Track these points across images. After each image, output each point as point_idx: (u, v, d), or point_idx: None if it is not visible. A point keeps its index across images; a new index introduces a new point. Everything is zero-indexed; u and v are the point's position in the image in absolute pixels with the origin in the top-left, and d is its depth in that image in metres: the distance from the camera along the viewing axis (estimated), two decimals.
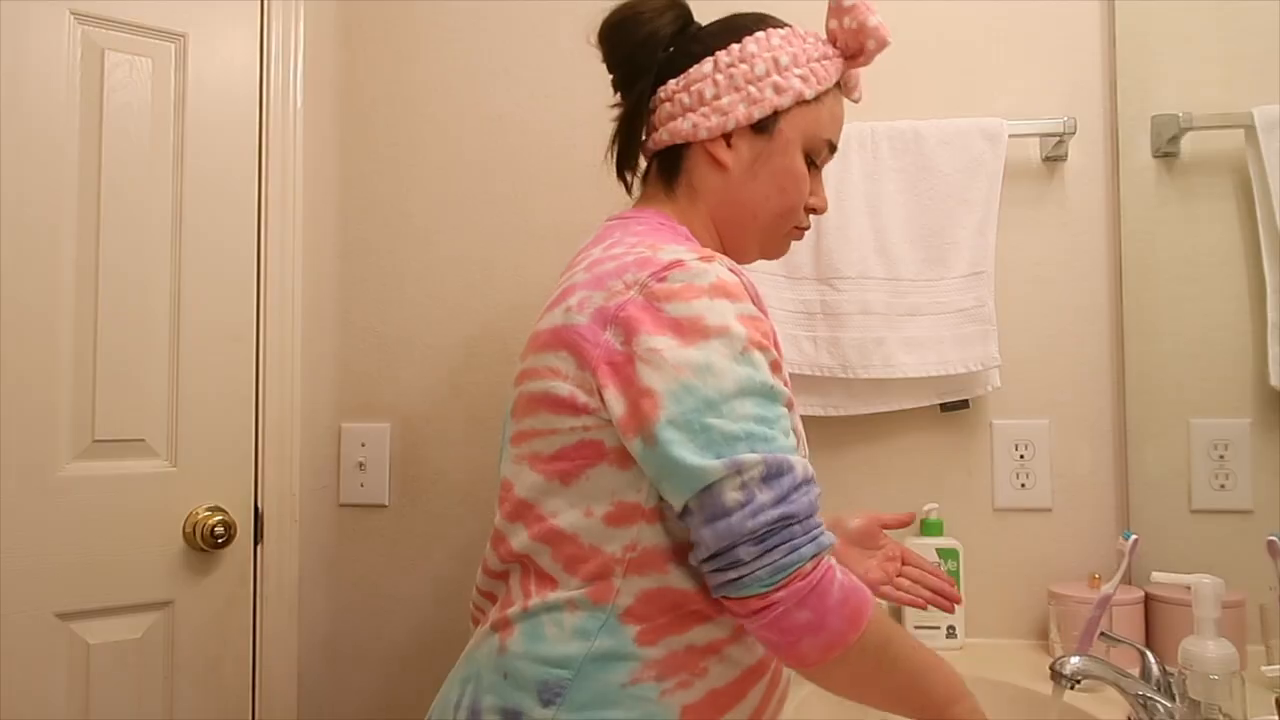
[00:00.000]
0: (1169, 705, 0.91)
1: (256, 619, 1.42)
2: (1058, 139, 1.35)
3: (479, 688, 0.81)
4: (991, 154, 1.33)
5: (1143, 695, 0.92)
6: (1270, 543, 0.96)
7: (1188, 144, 1.24)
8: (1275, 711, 0.84)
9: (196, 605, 1.36)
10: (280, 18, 1.47)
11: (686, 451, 0.73)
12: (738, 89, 0.91)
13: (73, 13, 1.28)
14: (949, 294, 1.33)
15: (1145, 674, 0.96)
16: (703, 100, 0.91)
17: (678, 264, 0.80)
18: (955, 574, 1.31)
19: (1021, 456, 1.37)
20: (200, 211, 1.37)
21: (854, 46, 0.95)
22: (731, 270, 0.82)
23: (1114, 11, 1.37)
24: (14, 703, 1.20)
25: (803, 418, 1.36)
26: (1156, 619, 1.21)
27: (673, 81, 0.94)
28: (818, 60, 0.93)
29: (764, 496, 0.72)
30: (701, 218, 0.94)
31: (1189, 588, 0.94)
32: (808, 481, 0.75)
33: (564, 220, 1.50)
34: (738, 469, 0.73)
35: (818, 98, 0.93)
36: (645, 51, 0.93)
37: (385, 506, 1.53)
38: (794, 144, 0.92)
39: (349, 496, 1.54)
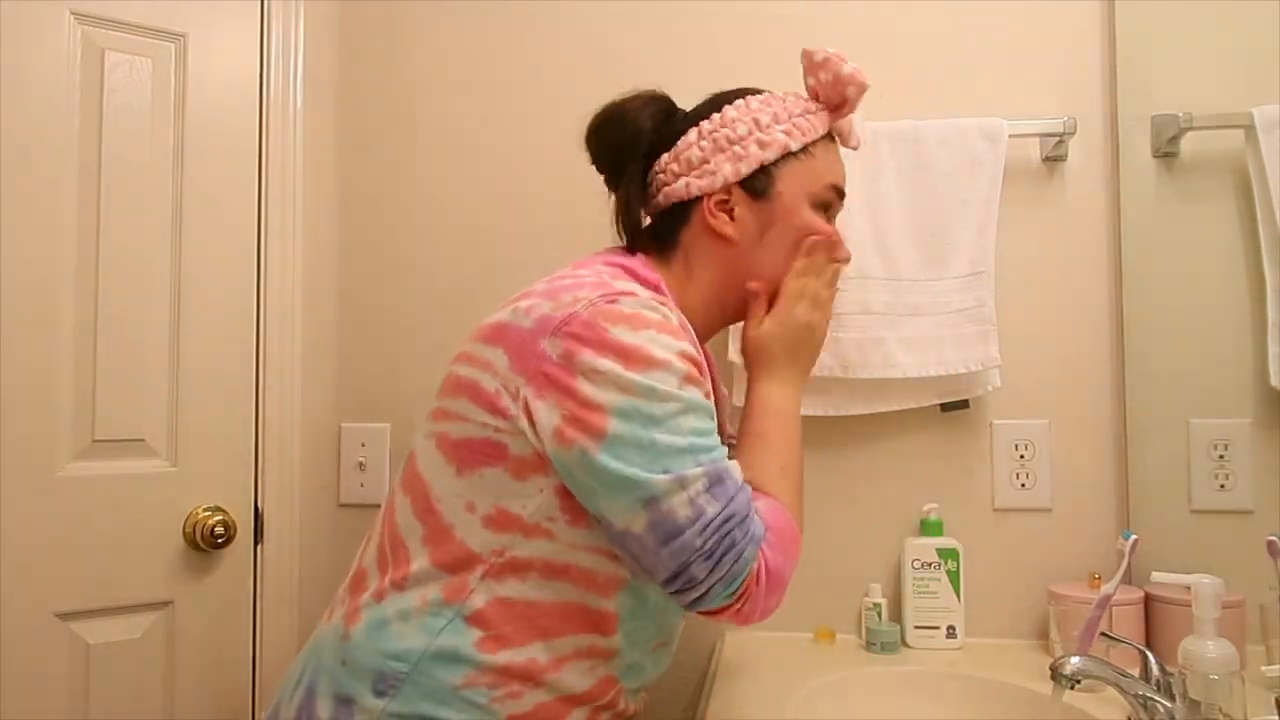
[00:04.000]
0: (1169, 705, 0.91)
1: (256, 619, 1.42)
2: (1058, 139, 1.35)
3: (318, 670, 0.84)
4: (991, 154, 1.33)
5: (1143, 695, 0.92)
6: (1270, 543, 0.96)
7: (1188, 144, 1.24)
8: (1275, 711, 0.84)
9: (196, 605, 1.36)
10: (280, 18, 1.47)
11: (633, 466, 0.76)
12: (722, 150, 0.93)
13: (73, 13, 1.28)
14: (949, 294, 1.33)
15: (1145, 674, 0.96)
16: (692, 165, 0.94)
17: (630, 294, 0.82)
18: (955, 574, 1.32)
19: (1021, 456, 1.37)
20: (200, 212, 1.37)
21: (836, 98, 0.97)
22: (683, 325, 0.84)
23: (1114, 11, 1.37)
24: (14, 703, 1.20)
25: (803, 417, 1.37)
26: (1156, 619, 1.21)
27: (665, 155, 0.97)
28: (800, 115, 0.96)
29: (710, 510, 0.77)
30: (697, 289, 0.95)
31: (1189, 588, 0.94)
32: (744, 486, 0.82)
33: (564, 220, 1.50)
34: (682, 483, 0.77)
35: (806, 149, 0.95)
36: (629, 149, 0.97)
37: None
38: (798, 201, 0.94)
39: (349, 496, 1.54)
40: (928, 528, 1.34)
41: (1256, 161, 1.12)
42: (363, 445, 1.54)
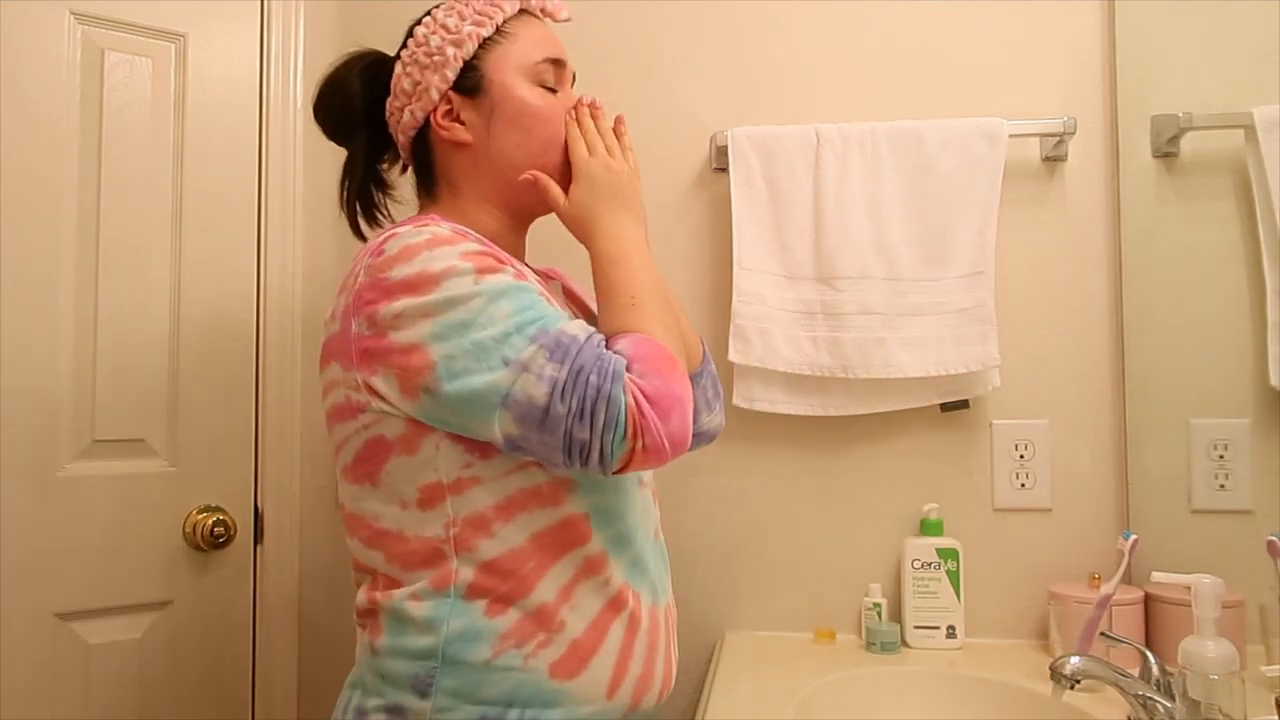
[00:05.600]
0: (1169, 705, 0.91)
1: (256, 619, 1.42)
2: (1058, 139, 1.35)
3: (364, 691, 0.85)
4: (991, 154, 1.33)
5: (1143, 695, 0.92)
6: (1270, 543, 0.96)
7: (1188, 144, 1.24)
8: (1275, 711, 0.84)
9: (196, 605, 1.36)
10: (280, 18, 1.47)
11: (473, 377, 0.76)
12: (425, 67, 0.94)
13: (73, 13, 1.28)
14: (949, 294, 1.33)
15: (1145, 674, 0.96)
16: (408, 94, 0.96)
17: (391, 235, 0.84)
18: (955, 574, 1.32)
19: (1021, 456, 1.37)
20: (200, 211, 1.37)
21: None
22: (456, 231, 0.84)
23: (1114, 11, 1.37)
24: (14, 703, 1.20)
25: (803, 418, 1.37)
26: (1156, 619, 1.21)
27: (388, 101, 0.99)
28: (484, 5, 0.95)
29: (560, 374, 0.75)
30: (473, 205, 0.96)
31: (1189, 588, 0.94)
32: (589, 337, 0.79)
33: None
34: (523, 365, 0.76)
35: (501, 32, 0.95)
36: (349, 113, 0.99)
37: None
38: (511, 84, 0.94)
39: None
40: (928, 528, 1.34)
41: (1256, 161, 1.12)
42: None
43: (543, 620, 0.82)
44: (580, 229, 0.93)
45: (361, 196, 1.02)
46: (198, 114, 1.37)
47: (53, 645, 1.24)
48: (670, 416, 0.77)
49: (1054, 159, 1.38)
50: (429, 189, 0.99)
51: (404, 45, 0.98)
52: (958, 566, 1.32)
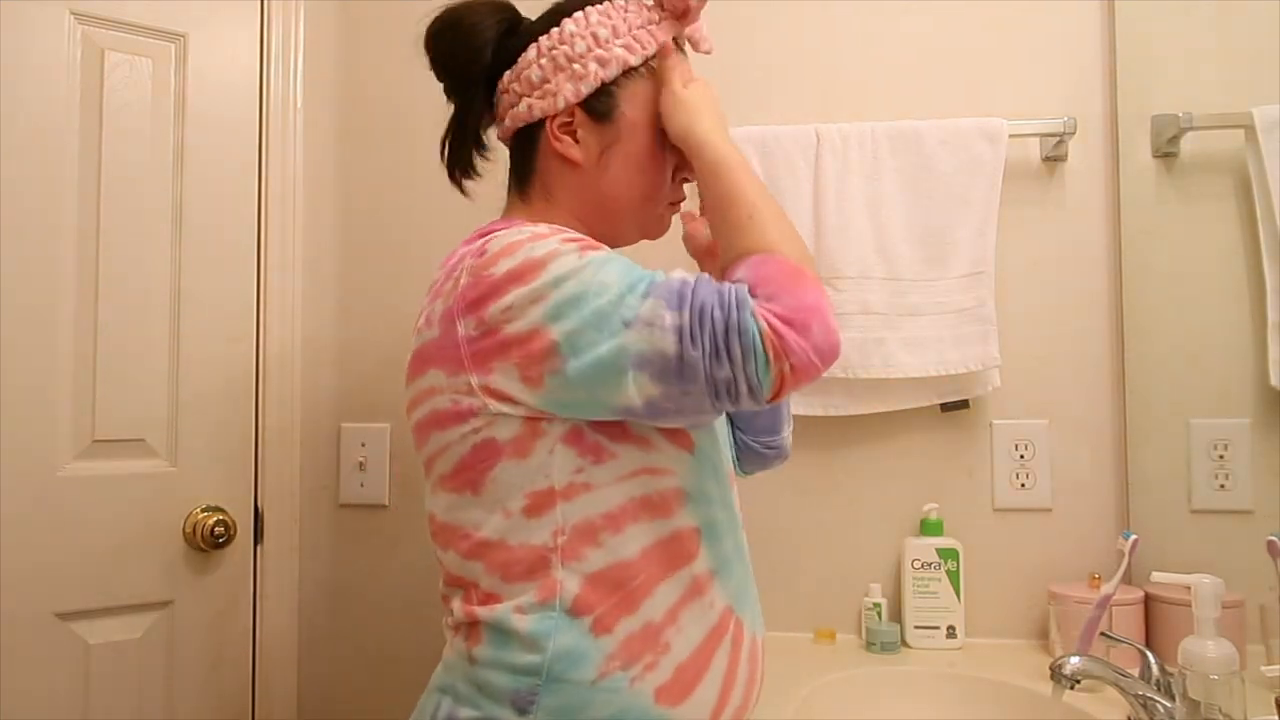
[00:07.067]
0: (1169, 705, 0.91)
1: (256, 619, 1.42)
2: (1058, 139, 1.35)
3: (456, 699, 0.81)
4: (991, 154, 1.33)
5: (1143, 695, 0.92)
6: (1270, 543, 0.96)
7: (1188, 144, 1.24)
8: (1275, 711, 0.84)
9: (196, 605, 1.36)
10: (280, 18, 1.47)
11: (599, 347, 0.73)
12: (561, 69, 0.89)
13: (73, 13, 1.28)
14: (949, 294, 1.33)
15: (1145, 674, 0.96)
16: (533, 85, 0.91)
17: (491, 234, 0.81)
18: (955, 574, 1.32)
19: (1021, 456, 1.37)
20: (200, 211, 1.37)
21: (680, 6, 0.92)
22: (551, 229, 0.82)
23: (1114, 11, 1.37)
24: (14, 703, 1.20)
25: (803, 418, 1.37)
26: (1156, 619, 1.21)
27: (507, 74, 0.93)
28: (641, 27, 0.91)
29: (684, 320, 0.73)
30: (564, 217, 0.91)
31: (1189, 588, 0.94)
32: (698, 277, 0.76)
33: None
34: (649, 322, 0.73)
35: (648, 64, 0.91)
36: (472, 61, 0.93)
37: (385, 507, 1.53)
38: (640, 125, 0.90)
39: (349, 496, 1.54)
40: (928, 528, 1.34)
41: (1256, 161, 1.12)
42: (363, 445, 1.53)
43: (649, 641, 0.79)
44: (691, 121, 0.88)
45: (461, 156, 0.96)
46: (198, 114, 1.37)
47: (53, 645, 1.24)
48: (810, 329, 0.73)
49: (1054, 159, 1.38)
50: (523, 189, 0.95)
51: (544, 29, 0.91)
52: (958, 566, 1.32)
